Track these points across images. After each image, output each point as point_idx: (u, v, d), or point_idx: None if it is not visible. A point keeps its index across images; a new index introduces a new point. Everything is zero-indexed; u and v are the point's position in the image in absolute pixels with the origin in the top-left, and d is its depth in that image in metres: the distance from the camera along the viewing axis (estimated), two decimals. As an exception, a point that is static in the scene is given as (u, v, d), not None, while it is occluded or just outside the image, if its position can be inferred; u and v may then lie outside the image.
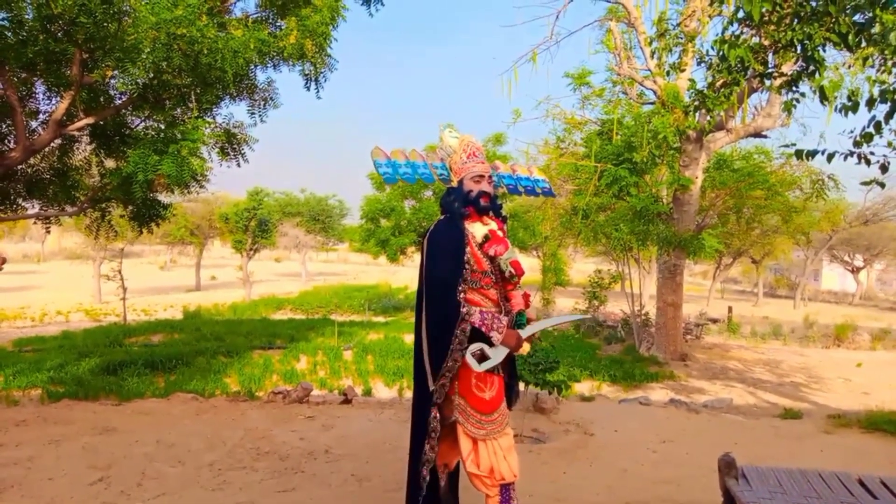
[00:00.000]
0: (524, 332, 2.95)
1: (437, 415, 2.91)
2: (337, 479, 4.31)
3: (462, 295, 2.87)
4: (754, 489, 3.10)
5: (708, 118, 11.15)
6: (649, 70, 12.01)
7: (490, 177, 3.10)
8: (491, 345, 2.86)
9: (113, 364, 9.48)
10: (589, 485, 4.28)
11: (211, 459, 4.66)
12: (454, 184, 3.09)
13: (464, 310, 2.84)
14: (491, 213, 3.06)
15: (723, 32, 5.11)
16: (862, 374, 11.93)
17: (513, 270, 2.97)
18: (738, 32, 5.19)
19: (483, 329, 2.84)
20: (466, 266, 2.91)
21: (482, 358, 2.83)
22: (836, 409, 7.69)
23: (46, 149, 7.50)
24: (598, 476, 4.48)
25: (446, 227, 3.00)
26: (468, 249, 2.93)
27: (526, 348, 3.00)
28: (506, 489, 2.95)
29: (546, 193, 3.67)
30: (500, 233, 3.03)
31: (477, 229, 2.99)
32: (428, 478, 2.95)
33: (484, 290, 2.96)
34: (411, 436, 3.06)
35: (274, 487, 4.14)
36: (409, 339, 14.16)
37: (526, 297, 3.12)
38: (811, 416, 6.91)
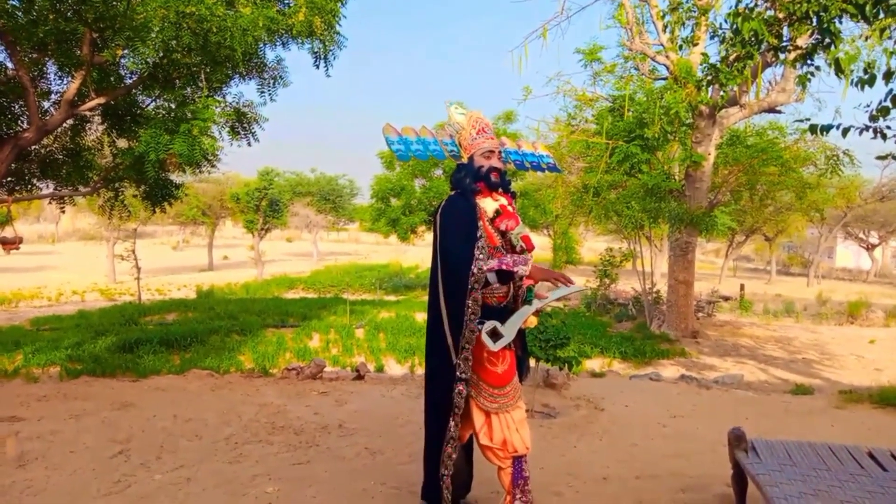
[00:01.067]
0: (534, 305, 2.96)
1: (464, 390, 2.91)
2: (350, 452, 4.39)
3: (481, 259, 2.88)
4: (764, 462, 3.13)
5: (721, 93, 11.00)
6: (662, 45, 11.84)
7: (500, 152, 3.12)
8: (503, 322, 2.88)
9: (129, 342, 9.61)
10: (599, 459, 4.32)
11: (227, 433, 4.75)
12: (464, 160, 3.11)
13: (480, 265, 2.85)
14: (500, 189, 3.07)
15: (736, 5, 5.04)
16: (875, 351, 11.88)
17: (523, 245, 2.99)
18: (751, 5, 5.11)
19: (505, 267, 2.87)
20: (481, 237, 2.92)
21: (495, 335, 2.84)
22: (848, 385, 7.69)
23: (59, 129, 7.55)
24: (608, 450, 4.52)
25: (459, 202, 3.02)
26: (480, 224, 2.94)
27: (533, 321, 3.03)
28: (518, 461, 3.00)
29: (551, 169, 3.68)
30: (510, 208, 3.05)
31: (488, 205, 3.01)
32: (455, 456, 2.97)
33: None
34: (428, 414, 3.08)
35: (289, 460, 4.22)
36: (421, 317, 14.24)
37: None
38: (822, 392, 6.92)
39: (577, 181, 14.43)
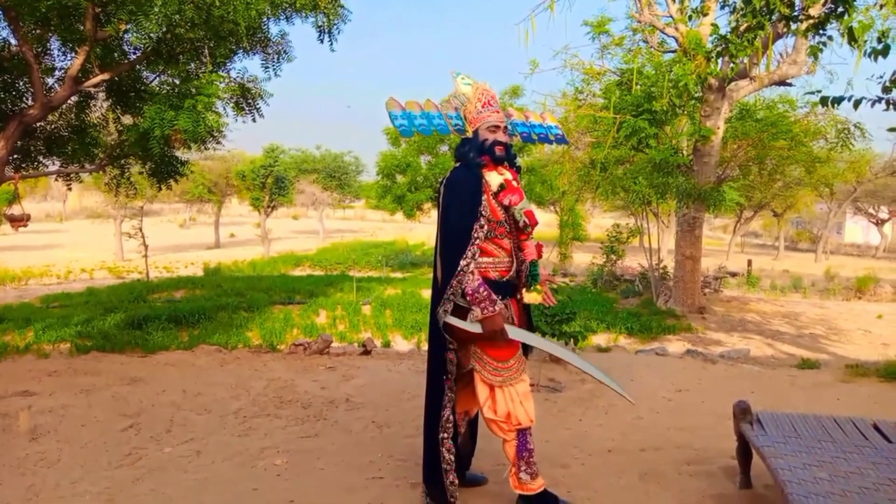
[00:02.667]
0: (512, 332, 2.92)
1: (454, 358, 2.96)
2: (358, 425, 4.44)
3: (477, 243, 2.88)
4: (769, 434, 3.14)
5: (731, 65, 10.83)
6: (671, 16, 11.64)
7: (505, 126, 3.07)
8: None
9: (138, 319, 9.70)
10: (604, 431, 4.35)
11: (236, 407, 4.81)
12: (469, 134, 3.07)
13: (469, 271, 2.84)
14: (506, 164, 3.05)
15: (748, -27, 4.94)
16: (882, 326, 11.84)
17: (526, 220, 2.98)
18: (763, -27, 5.00)
19: (470, 300, 2.83)
20: (483, 213, 2.90)
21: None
22: (855, 359, 7.68)
23: (64, 106, 7.53)
24: (613, 423, 4.55)
25: (463, 175, 2.99)
26: (484, 198, 2.92)
27: (537, 298, 3.07)
28: (523, 434, 3.01)
29: (559, 140, 3.64)
30: (515, 183, 3.03)
31: (492, 178, 2.99)
32: (453, 418, 3.01)
33: (498, 240, 2.99)
34: (427, 385, 3.11)
35: (297, 434, 4.27)
36: (427, 293, 14.29)
37: (539, 247, 3.15)
38: (829, 367, 6.92)
39: (584, 156, 14.32)
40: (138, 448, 3.96)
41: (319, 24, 7.42)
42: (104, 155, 8.15)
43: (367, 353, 6.88)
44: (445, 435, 3.00)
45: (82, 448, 3.96)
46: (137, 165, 8.67)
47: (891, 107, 4.97)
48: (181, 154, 8.76)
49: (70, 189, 8.90)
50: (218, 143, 8.20)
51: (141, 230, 18.00)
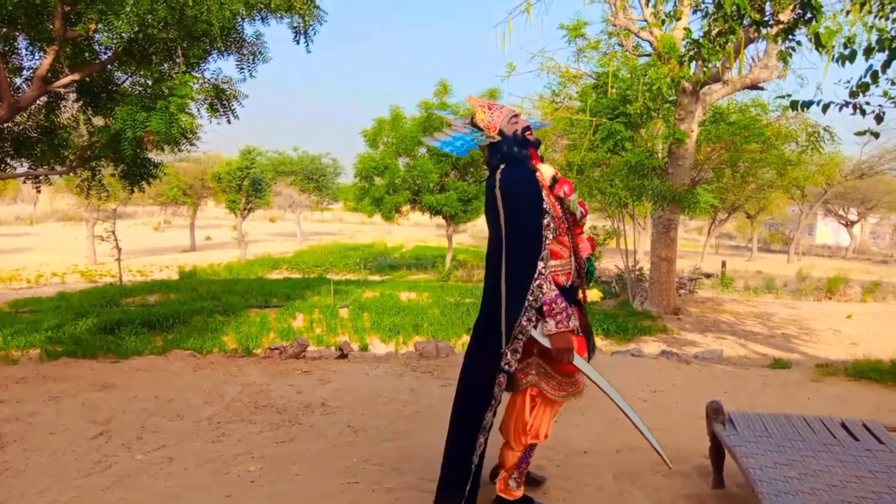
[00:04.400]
0: (577, 361, 2.72)
1: (504, 382, 2.75)
2: (333, 430, 4.40)
3: (547, 244, 2.66)
4: (740, 433, 3.18)
5: (704, 69, 10.99)
6: (645, 20, 11.78)
7: (521, 114, 2.89)
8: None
9: (110, 323, 9.53)
10: (580, 433, 4.37)
11: (209, 413, 4.74)
12: (496, 138, 2.81)
13: (546, 275, 2.62)
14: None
15: (719, -21, 5.01)
16: (851, 326, 12.10)
17: (582, 210, 2.84)
18: (734, -21, 5.08)
19: (546, 311, 2.60)
20: (548, 212, 2.68)
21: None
22: (825, 358, 7.82)
23: (32, 106, 7.37)
24: (589, 424, 4.57)
25: (519, 173, 2.73)
26: (544, 194, 2.72)
27: (597, 295, 2.94)
28: (532, 448, 2.98)
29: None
30: (557, 173, 2.89)
31: (545, 171, 2.81)
32: (484, 446, 2.82)
33: (561, 237, 2.77)
34: (462, 400, 2.94)
35: (272, 439, 4.22)
36: (405, 296, 14.26)
37: (591, 240, 2.97)
38: (800, 366, 7.03)
39: (561, 159, 14.42)
40: (108, 456, 3.88)
41: (295, 25, 7.38)
42: (74, 157, 8.00)
43: (343, 356, 6.83)
44: (476, 459, 2.82)
45: (50, 457, 3.87)
46: (109, 167, 8.52)
47: (857, 111, 5.08)
48: (154, 156, 8.63)
49: (39, 191, 8.72)
50: (192, 144, 8.08)
51: (114, 233, 17.68)
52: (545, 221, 2.66)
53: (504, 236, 2.67)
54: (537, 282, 2.61)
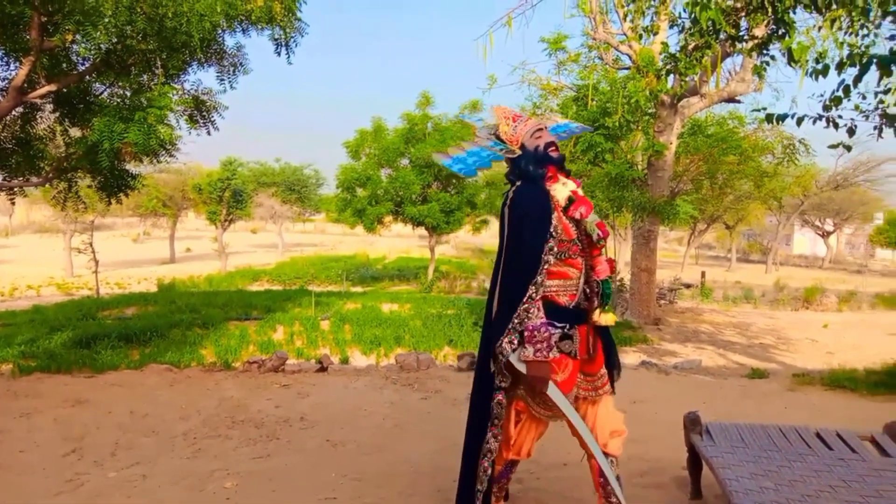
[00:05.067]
0: (552, 391, 2.60)
1: (503, 400, 2.70)
2: (312, 444, 4.35)
3: (546, 267, 2.60)
4: (717, 444, 3.19)
5: (681, 83, 11.16)
6: (625, 34, 11.94)
7: (546, 128, 2.79)
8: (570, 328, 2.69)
9: (86, 337, 9.37)
10: (559, 445, 4.34)
11: (185, 429, 4.67)
12: (516, 152, 2.75)
13: (536, 300, 2.57)
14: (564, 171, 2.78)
15: (694, -6, 5.10)
16: (828, 335, 12.27)
17: (599, 233, 2.69)
18: (709, -6, 5.18)
19: (527, 337, 2.54)
20: (553, 235, 2.61)
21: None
22: (802, 368, 7.92)
23: (8, 117, 7.27)
24: (568, 437, 4.54)
25: (529, 192, 2.68)
26: (555, 216, 2.63)
27: (611, 319, 2.75)
28: (513, 464, 2.95)
29: (577, 130, 3.33)
30: (580, 191, 2.76)
31: (559, 192, 2.69)
32: (490, 471, 2.73)
33: (571, 260, 2.69)
34: (468, 422, 2.87)
35: (249, 454, 4.16)
36: (387, 307, 14.21)
37: (611, 263, 2.81)
38: (777, 376, 7.11)
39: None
40: (81, 474, 3.80)
41: (276, 36, 7.37)
42: (50, 168, 7.89)
43: (323, 369, 6.78)
44: (481, 488, 2.74)
45: (20, 475, 3.78)
46: (86, 179, 8.41)
47: (830, 124, 5.18)
48: (133, 167, 8.55)
49: (13, 203, 8.58)
50: (171, 155, 8.02)
51: (91, 245, 17.43)
52: (549, 245, 2.60)
53: (504, 254, 2.68)
54: (525, 305, 2.55)
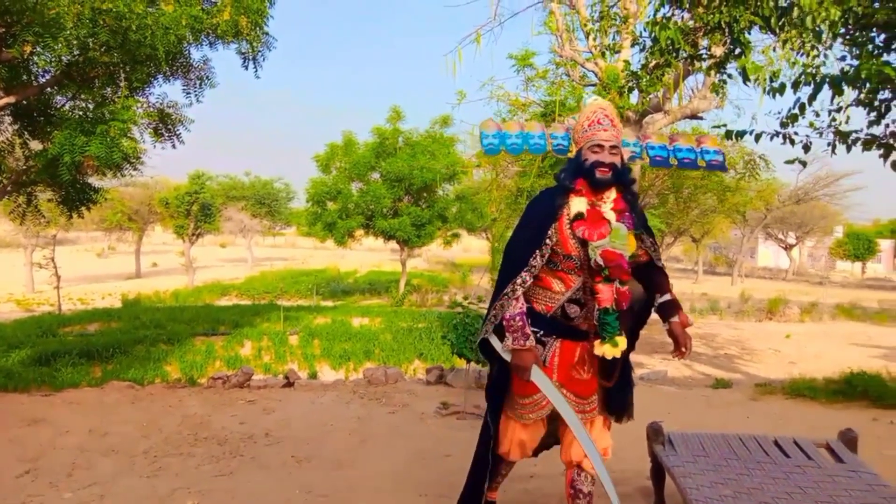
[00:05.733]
0: (535, 375, 2.61)
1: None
2: (276, 461, 4.29)
3: (532, 271, 2.62)
4: (679, 454, 3.24)
5: (643, 100, 11.38)
6: (590, 52, 12.16)
7: (613, 146, 2.63)
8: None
9: (46, 354, 9.13)
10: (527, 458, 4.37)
11: (146, 447, 4.56)
12: (572, 154, 2.74)
13: (514, 296, 2.62)
14: (617, 189, 2.65)
15: (654, 14, 5.24)
16: (790, 345, 12.56)
17: (600, 262, 2.55)
18: (669, 14, 5.32)
19: (505, 326, 2.62)
20: (547, 243, 2.61)
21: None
22: (765, 378, 8.07)
23: (-37, 129, 7.10)
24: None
25: (542, 197, 2.75)
26: (555, 226, 2.61)
27: (621, 348, 2.65)
28: (500, 462, 2.99)
29: (716, 167, 3.32)
30: (609, 214, 2.60)
31: (574, 205, 2.61)
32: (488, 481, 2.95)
33: (562, 274, 2.66)
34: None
35: (211, 472, 4.09)
36: (357, 322, 14.12)
37: (623, 295, 2.64)
38: (740, 386, 7.24)
39: (512, 185, 14.63)
40: (34, 496, 3.68)
41: (243, 51, 7.33)
42: (8, 181, 7.69)
43: (290, 384, 6.70)
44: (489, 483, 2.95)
45: (-30, 498, 3.65)
46: (47, 192, 8.23)
47: (787, 140, 5.34)
48: (96, 181, 8.39)
49: (-31, 217, 8.35)
50: (136, 169, 7.90)
51: (53, 260, 17.00)
52: (540, 251, 2.60)
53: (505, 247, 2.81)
54: (502, 301, 2.64)
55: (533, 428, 2.84)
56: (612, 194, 2.64)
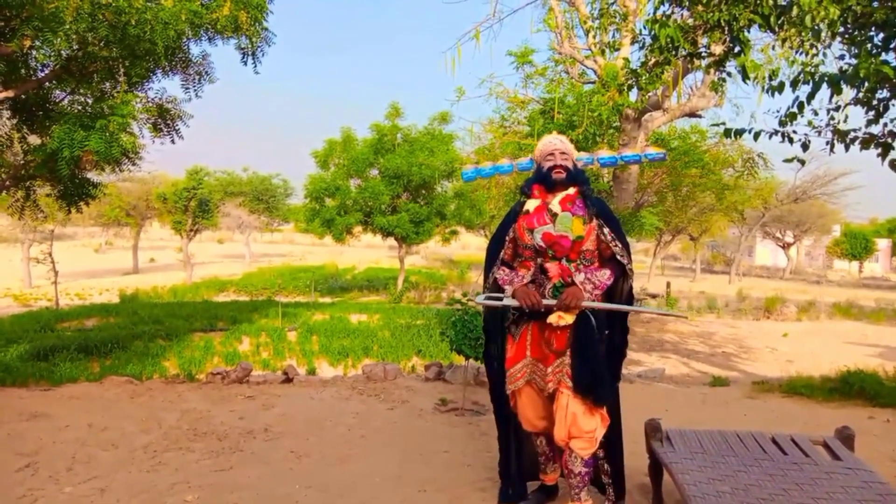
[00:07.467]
0: (550, 301, 3.06)
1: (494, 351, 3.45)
2: (276, 456, 4.30)
3: (501, 262, 3.31)
4: (677, 450, 3.26)
5: (642, 97, 11.39)
6: (590, 49, 12.16)
7: (560, 152, 3.25)
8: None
9: (44, 350, 9.11)
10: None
11: (145, 442, 4.57)
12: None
13: (492, 274, 3.30)
14: (573, 185, 3.21)
15: (654, 12, 5.24)
16: (787, 344, 12.59)
17: (541, 243, 3.11)
18: (668, 12, 5.33)
19: (501, 283, 3.22)
20: (507, 239, 3.29)
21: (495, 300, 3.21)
22: (762, 376, 8.11)
23: (-38, 124, 7.09)
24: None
25: (514, 206, 3.39)
26: (514, 225, 3.26)
27: (567, 319, 3.03)
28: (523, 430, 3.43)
29: (655, 158, 3.82)
30: (556, 206, 3.13)
31: (528, 204, 3.23)
32: (509, 442, 3.50)
33: (526, 262, 3.21)
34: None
35: (211, 467, 4.10)
36: (355, 318, 14.13)
37: (563, 269, 3.11)
38: (738, 384, 7.27)
39: (511, 182, 14.64)
40: (34, 490, 3.69)
41: (242, 46, 7.32)
42: (7, 176, 7.68)
43: (289, 380, 6.71)
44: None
45: (-31, 492, 3.66)
46: (45, 187, 8.21)
47: (786, 139, 5.36)
48: (94, 176, 8.37)
49: (-33, 212, 8.33)
50: (134, 164, 7.88)
51: (50, 255, 16.97)
52: (505, 246, 3.31)
53: None
54: (487, 283, 3.34)
55: (530, 404, 3.26)
56: (568, 192, 3.19)
